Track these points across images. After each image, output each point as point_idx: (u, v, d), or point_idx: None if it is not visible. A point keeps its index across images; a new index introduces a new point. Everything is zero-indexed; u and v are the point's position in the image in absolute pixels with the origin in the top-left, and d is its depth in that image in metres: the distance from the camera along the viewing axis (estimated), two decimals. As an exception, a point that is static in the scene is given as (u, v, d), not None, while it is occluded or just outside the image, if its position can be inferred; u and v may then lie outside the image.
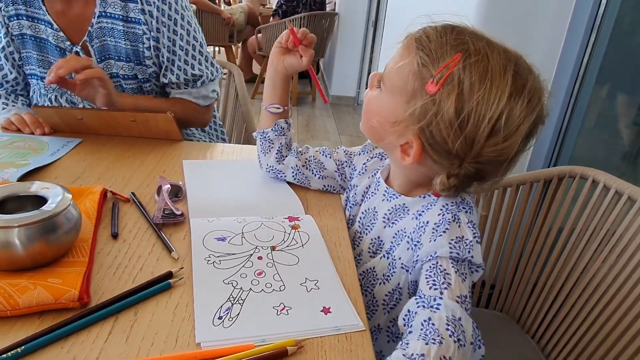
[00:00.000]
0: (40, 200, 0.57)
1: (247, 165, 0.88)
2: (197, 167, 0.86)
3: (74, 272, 0.54)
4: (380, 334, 0.66)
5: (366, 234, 0.70)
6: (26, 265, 0.53)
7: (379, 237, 0.68)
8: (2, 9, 0.99)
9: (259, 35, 4.34)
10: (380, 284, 0.65)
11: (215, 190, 0.79)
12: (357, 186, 0.76)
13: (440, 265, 0.56)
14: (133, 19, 1.00)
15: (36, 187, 0.59)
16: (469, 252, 0.57)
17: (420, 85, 0.56)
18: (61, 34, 1.00)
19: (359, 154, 0.79)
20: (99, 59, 1.02)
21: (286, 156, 0.81)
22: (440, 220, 0.59)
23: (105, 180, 0.79)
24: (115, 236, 0.64)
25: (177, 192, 0.75)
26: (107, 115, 0.93)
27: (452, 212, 0.59)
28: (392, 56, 0.62)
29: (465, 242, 0.57)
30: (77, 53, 1.00)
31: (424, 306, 0.52)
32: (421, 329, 0.49)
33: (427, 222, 0.60)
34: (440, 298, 0.52)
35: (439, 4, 1.74)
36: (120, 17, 1.00)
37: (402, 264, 0.62)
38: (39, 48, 1.02)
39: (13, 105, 1.07)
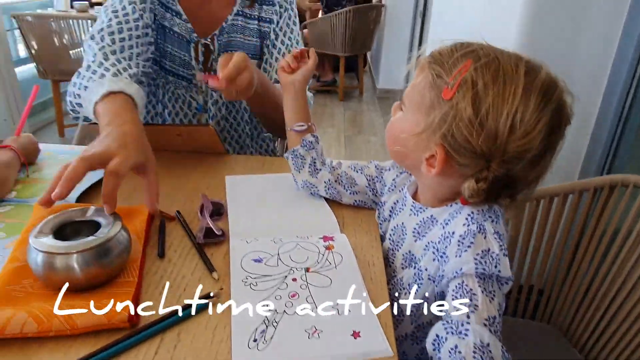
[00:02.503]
0: (95, 224, 0.63)
1: (286, 179, 0.91)
2: (238, 183, 0.90)
3: (125, 293, 0.59)
4: (406, 341, 0.68)
5: (397, 249, 0.71)
6: (82, 287, 0.59)
7: (410, 252, 0.69)
8: None
9: (305, 30, 4.37)
10: (406, 294, 0.67)
11: (254, 207, 0.82)
12: (386, 202, 0.77)
13: (467, 285, 0.56)
14: (266, 19, 1.09)
15: (91, 212, 0.64)
16: (495, 266, 0.56)
17: (436, 95, 0.58)
18: (189, 25, 1.04)
19: (389, 170, 0.80)
20: (221, 52, 1.07)
21: (320, 170, 0.84)
22: (465, 232, 0.59)
23: (154, 197, 0.84)
24: (161, 256, 0.69)
25: (219, 210, 0.79)
26: (153, 130, 0.97)
27: (477, 222, 0.59)
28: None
29: (491, 256, 0.57)
30: (204, 45, 1.06)
31: (452, 332, 0.52)
32: (449, 357, 0.50)
33: (453, 233, 0.60)
34: (468, 323, 0.52)
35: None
36: (255, 17, 1.08)
37: (428, 275, 0.63)
38: (161, 35, 1.04)
39: (124, 72, 0.88)
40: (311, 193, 0.86)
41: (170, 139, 0.98)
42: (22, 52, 3.72)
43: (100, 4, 3.57)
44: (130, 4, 0.97)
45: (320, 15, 4.64)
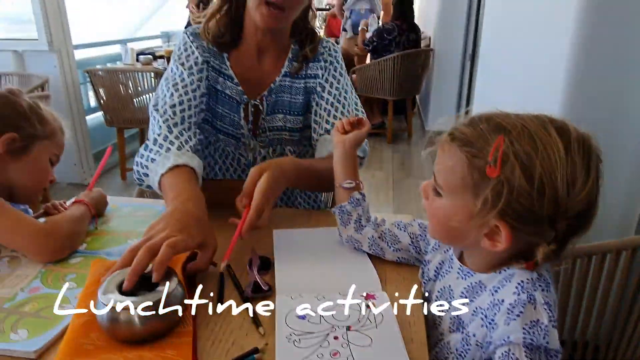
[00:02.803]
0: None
1: (332, 233, 0.94)
2: (285, 237, 0.95)
3: (184, 344, 0.64)
4: None
5: (445, 312, 0.72)
6: (145, 338, 0.64)
7: (457, 316, 0.69)
8: (201, 53, 1.09)
9: (354, 75, 4.49)
10: (454, 358, 0.67)
11: (300, 261, 0.86)
12: (430, 262, 0.79)
13: (513, 354, 0.56)
14: (311, 75, 1.13)
15: (150, 268, 0.70)
16: (544, 337, 0.56)
17: (479, 175, 0.59)
18: (240, 88, 1.11)
19: None
20: (269, 112, 1.13)
21: (364, 226, 0.87)
22: (515, 301, 0.59)
23: (208, 250, 0.90)
24: (213, 309, 0.73)
25: (266, 265, 0.83)
26: (209, 184, 1.05)
27: (527, 292, 0.60)
28: (435, 163, 0.66)
29: (540, 327, 0.57)
30: (254, 106, 1.12)
31: None
32: None
33: (503, 301, 0.61)
34: None
35: (534, 39, 1.70)
36: (302, 75, 1.13)
37: (476, 341, 0.64)
38: (213, 98, 1.12)
39: (185, 144, 1.00)
40: (355, 247, 0.88)
41: (224, 193, 1.04)
42: (92, 101, 4.06)
43: (162, 57, 3.87)
44: (189, 76, 1.06)
45: (368, 60, 4.77)
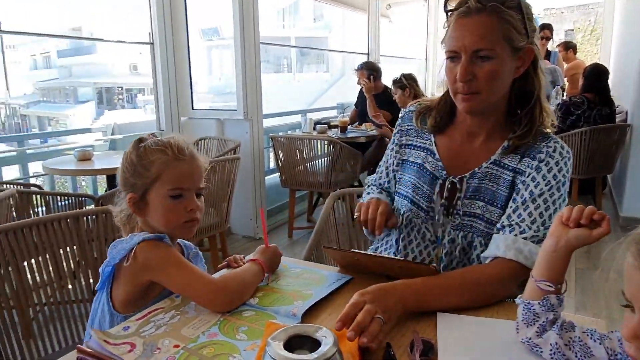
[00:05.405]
0: (316, 342, 0.69)
1: (505, 326, 0.84)
2: (450, 321, 0.87)
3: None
4: None
5: None
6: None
7: None
8: (398, 138, 1.24)
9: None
10: None
11: (464, 353, 0.78)
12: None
13: None
14: (520, 170, 1.05)
15: (321, 332, 0.71)
16: None
17: None
18: (440, 163, 1.13)
19: None
20: (468, 196, 1.08)
21: (547, 330, 0.74)
22: None
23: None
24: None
25: (429, 350, 0.77)
26: (376, 258, 1.08)
27: None
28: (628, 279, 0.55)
29: None
30: (451, 183, 1.10)
31: None
32: None
33: None
34: None
35: None
36: (512, 168, 1.06)
37: None
38: (415, 172, 1.17)
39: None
40: (531, 350, 0.77)
41: (391, 266, 1.04)
42: (272, 163, 4.54)
43: (336, 126, 4.17)
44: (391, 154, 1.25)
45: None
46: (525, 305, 0.77)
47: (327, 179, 3.50)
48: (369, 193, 1.27)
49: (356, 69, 4.21)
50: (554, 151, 1.04)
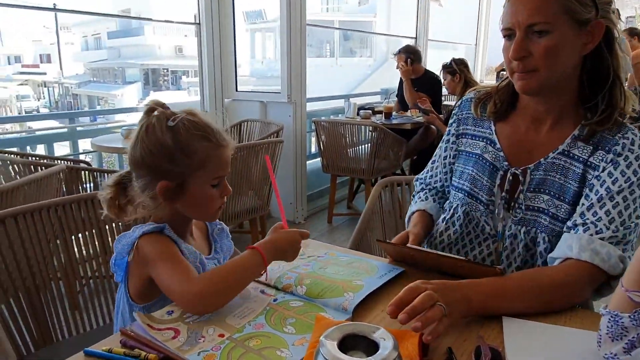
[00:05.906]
0: (374, 344, 0.62)
1: (580, 336, 0.75)
2: (518, 327, 0.79)
3: None
4: None
5: None
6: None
7: None
8: (455, 127, 1.16)
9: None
10: None
11: (539, 364, 0.70)
12: None
13: None
14: (592, 164, 0.95)
15: (378, 333, 0.64)
16: None
17: None
18: (501, 153, 1.05)
19: None
20: (531, 189, 1.00)
21: (637, 347, 0.65)
22: None
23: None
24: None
25: (496, 359, 0.70)
26: (434, 255, 0.99)
27: None
28: None
29: None
30: (513, 175, 1.02)
31: None
32: None
33: None
34: None
35: None
36: (583, 160, 0.96)
37: None
38: (474, 164, 1.09)
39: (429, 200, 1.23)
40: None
41: (452, 265, 0.97)
42: (314, 148, 4.49)
43: (380, 112, 4.06)
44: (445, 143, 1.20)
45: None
46: (612, 317, 0.67)
47: (370, 166, 3.42)
48: (416, 202, 1.25)
49: (395, 53, 4.09)
50: (633, 144, 0.93)
